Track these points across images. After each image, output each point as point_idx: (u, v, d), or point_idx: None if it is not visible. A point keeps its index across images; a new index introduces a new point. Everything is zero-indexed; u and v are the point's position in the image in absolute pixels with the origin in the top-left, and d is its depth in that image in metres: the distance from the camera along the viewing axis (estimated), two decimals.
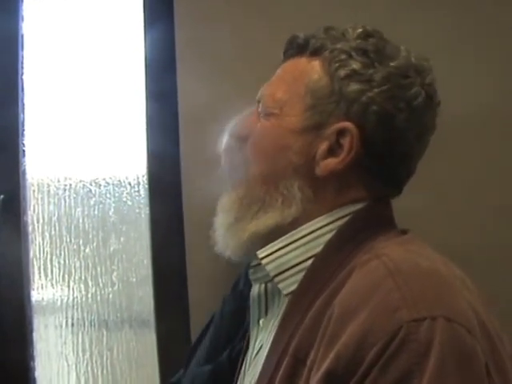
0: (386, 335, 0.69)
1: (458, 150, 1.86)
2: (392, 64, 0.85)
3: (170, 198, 1.95)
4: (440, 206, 1.87)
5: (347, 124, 0.84)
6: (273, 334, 0.86)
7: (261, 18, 1.98)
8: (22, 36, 1.94)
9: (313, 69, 0.87)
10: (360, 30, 0.87)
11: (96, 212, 1.96)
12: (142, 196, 1.99)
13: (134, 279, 1.97)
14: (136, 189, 1.99)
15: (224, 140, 1.35)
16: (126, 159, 1.99)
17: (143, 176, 1.99)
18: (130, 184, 1.99)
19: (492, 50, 1.92)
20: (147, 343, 1.96)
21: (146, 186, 1.98)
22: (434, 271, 0.77)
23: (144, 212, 1.99)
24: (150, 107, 1.96)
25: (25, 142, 1.92)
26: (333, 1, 2.01)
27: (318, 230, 0.86)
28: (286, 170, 0.86)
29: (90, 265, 1.94)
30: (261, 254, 0.87)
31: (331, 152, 0.85)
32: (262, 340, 0.90)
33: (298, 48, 0.90)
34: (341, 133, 0.84)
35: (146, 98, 1.97)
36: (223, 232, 0.91)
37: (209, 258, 1.91)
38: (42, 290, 1.90)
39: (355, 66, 0.84)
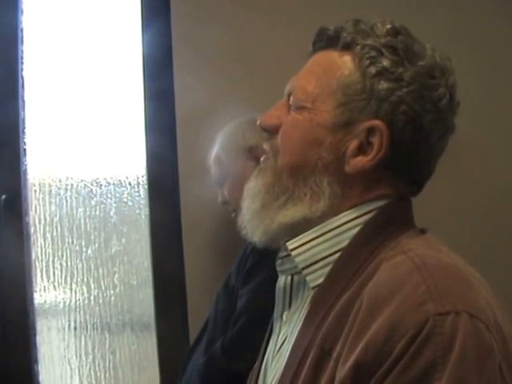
0: (413, 327, 0.71)
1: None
2: (420, 63, 0.85)
3: (169, 199, 1.94)
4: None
5: (378, 122, 0.84)
6: (298, 326, 0.87)
7: (258, 17, 1.99)
8: (22, 30, 1.88)
9: (344, 64, 0.87)
10: (389, 25, 0.87)
11: (97, 212, 1.92)
12: (142, 196, 1.97)
13: (135, 282, 1.95)
14: (136, 189, 1.97)
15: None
16: (126, 159, 1.97)
17: (143, 176, 1.97)
18: (130, 184, 1.97)
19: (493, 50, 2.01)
20: (148, 346, 1.93)
21: (146, 187, 1.95)
22: (455, 268, 0.79)
23: (144, 213, 1.97)
24: (149, 107, 1.95)
25: (25, 140, 1.85)
26: (331, 0, 2.03)
27: (345, 224, 0.86)
28: (316, 165, 0.86)
29: (92, 266, 1.90)
30: (291, 245, 0.87)
31: (361, 150, 0.85)
32: (285, 333, 0.91)
33: (328, 40, 0.90)
34: (371, 131, 0.85)
35: (144, 97, 1.95)
36: (249, 218, 0.92)
37: (207, 260, 1.94)
38: (45, 293, 1.85)
39: (386, 63, 0.84)
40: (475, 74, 1.95)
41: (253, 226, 0.91)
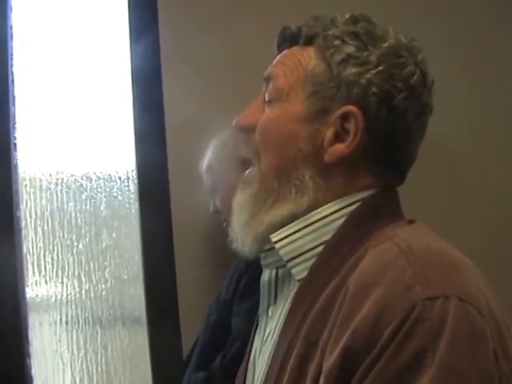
0: (401, 312, 0.70)
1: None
2: (384, 45, 0.85)
3: (159, 193, 1.94)
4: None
5: (350, 108, 0.84)
6: (281, 320, 0.86)
7: (248, 27, 1.99)
8: (11, 27, 1.89)
9: (309, 57, 0.87)
10: (347, 15, 0.88)
11: (88, 207, 1.93)
12: (132, 191, 1.98)
13: (126, 276, 1.95)
14: (126, 183, 1.98)
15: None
16: (115, 154, 1.98)
17: (132, 171, 1.97)
18: (119, 178, 1.97)
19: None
20: (140, 341, 1.93)
21: (135, 181, 1.96)
22: (444, 253, 0.78)
23: (134, 207, 1.97)
24: (137, 115, 1.94)
25: (16, 134, 1.86)
26: (326, 7, 2.05)
27: (328, 215, 0.86)
28: (296, 159, 0.86)
29: (83, 260, 1.90)
30: (274, 237, 0.86)
31: (338, 138, 0.85)
32: (271, 328, 0.90)
33: (291, 39, 0.91)
34: (345, 117, 0.84)
35: (132, 104, 1.94)
36: (239, 230, 0.91)
37: (198, 254, 1.94)
38: (36, 287, 1.85)
39: (349, 49, 0.85)
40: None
41: (244, 236, 0.90)
